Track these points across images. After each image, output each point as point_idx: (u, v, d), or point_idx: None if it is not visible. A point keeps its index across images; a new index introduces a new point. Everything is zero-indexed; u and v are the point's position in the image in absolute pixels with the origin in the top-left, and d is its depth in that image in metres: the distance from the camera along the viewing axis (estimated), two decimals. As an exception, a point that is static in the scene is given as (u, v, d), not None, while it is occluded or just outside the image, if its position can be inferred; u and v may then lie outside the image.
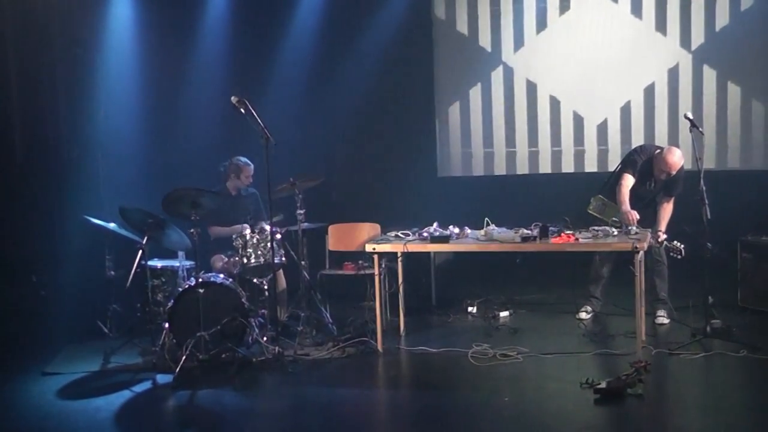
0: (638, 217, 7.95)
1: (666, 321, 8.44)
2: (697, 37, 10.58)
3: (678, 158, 8.19)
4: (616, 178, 8.43)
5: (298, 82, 10.88)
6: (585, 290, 8.87)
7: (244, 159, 9.05)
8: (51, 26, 10.41)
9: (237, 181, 9.07)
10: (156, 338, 7.85)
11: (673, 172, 8.22)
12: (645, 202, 8.42)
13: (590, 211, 8.36)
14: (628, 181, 8.29)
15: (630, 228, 7.73)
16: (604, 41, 10.80)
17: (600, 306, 8.86)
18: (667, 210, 8.38)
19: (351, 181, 11.31)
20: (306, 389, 7.16)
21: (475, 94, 11.28)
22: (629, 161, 8.48)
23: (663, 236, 8.04)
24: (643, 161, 8.41)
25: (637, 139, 10.43)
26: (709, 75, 10.57)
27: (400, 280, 8.35)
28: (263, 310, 8.30)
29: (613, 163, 9.66)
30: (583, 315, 8.75)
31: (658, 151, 8.35)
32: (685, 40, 10.60)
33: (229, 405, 6.90)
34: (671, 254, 8.01)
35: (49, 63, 10.45)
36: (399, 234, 8.23)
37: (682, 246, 7.88)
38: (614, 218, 8.10)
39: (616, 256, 8.40)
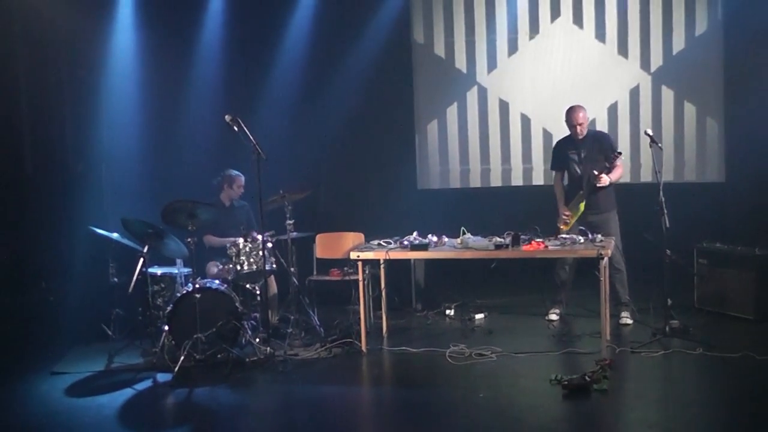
0: (567, 213, 8.45)
1: (630, 321, 8.44)
2: (656, 60, 10.62)
3: (576, 107, 8.50)
4: None
5: (287, 102, 10.86)
6: (552, 296, 8.88)
7: (235, 171, 9.06)
8: (59, 49, 10.42)
9: (230, 191, 9.07)
10: (156, 340, 7.86)
11: (581, 121, 8.44)
12: (581, 177, 8.49)
13: (562, 228, 8.46)
14: (555, 177, 8.85)
15: (595, 236, 7.76)
16: (570, 63, 10.83)
17: (565, 309, 8.87)
18: (617, 168, 8.42)
19: (337, 193, 11.28)
20: (295, 387, 7.15)
21: (452, 112, 11.27)
22: (551, 160, 8.92)
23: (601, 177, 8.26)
24: (559, 144, 8.81)
25: (601, 154, 10.46)
26: (667, 95, 10.62)
27: (383, 285, 8.36)
28: (255, 314, 8.28)
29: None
30: (552, 317, 8.77)
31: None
32: (645, 63, 10.64)
33: (224, 402, 6.89)
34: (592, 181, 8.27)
35: (56, 83, 10.46)
36: (381, 242, 8.21)
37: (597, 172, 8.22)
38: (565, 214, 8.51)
39: (579, 260, 8.42)
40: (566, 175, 8.76)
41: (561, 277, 8.76)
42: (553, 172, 8.91)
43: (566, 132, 8.60)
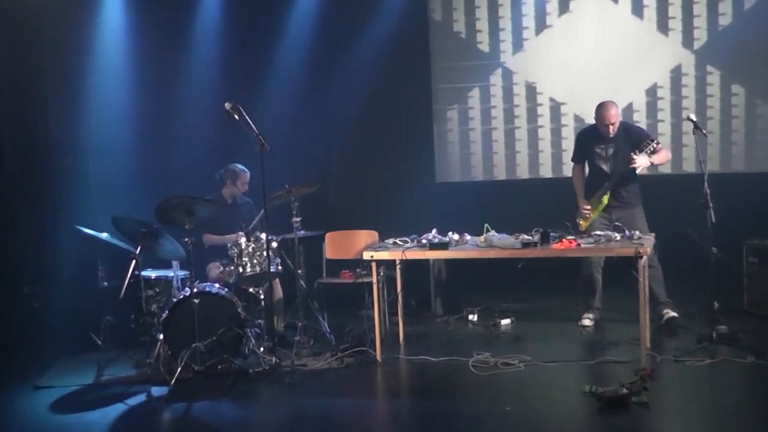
0: (587, 207, 8.55)
1: (675, 314, 8.45)
2: (700, 37, 10.59)
3: (609, 104, 8.52)
4: None
5: (293, 87, 10.91)
6: (584, 301, 8.90)
7: (240, 166, 9.10)
8: (42, 32, 10.42)
9: (233, 188, 9.13)
10: (150, 350, 7.91)
11: (614, 120, 8.45)
12: (608, 175, 8.53)
13: (582, 224, 8.51)
14: (575, 169, 8.93)
15: (633, 233, 7.76)
16: (604, 42, 10.83)
17: (601, 315, 8.88)
18: (662, 152, 8.51)
19: (348, 187, 11.32)
20: (304, 400, 7.16)
21: (474, 97, 11.31)
22: (574, 151, 9.00)
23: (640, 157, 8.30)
24: (585, 137, 8.84)
25: (640, 142, 10.47)
26: (713, 75, 10.59)
27: (399, 288, 8.39)
28: (260, 320, 8.35)
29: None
30: (586, 322, 8.77)
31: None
32: (688, 40, 10.62)
33: (225, 417, 6.91)
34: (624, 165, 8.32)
35: (39, 69, 10.46)
36: (397, 241, 8.24)
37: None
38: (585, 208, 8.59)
39: (611, 259, 8.44)
40: (587, 167, 8.81)
41: (591, 280, 8.78)
42: (572, 164, 9.00)
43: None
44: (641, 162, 8.28)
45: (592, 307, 8.84)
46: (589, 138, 8.74)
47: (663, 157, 8.52)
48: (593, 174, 8.73)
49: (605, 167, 8.58)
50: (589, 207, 8.55)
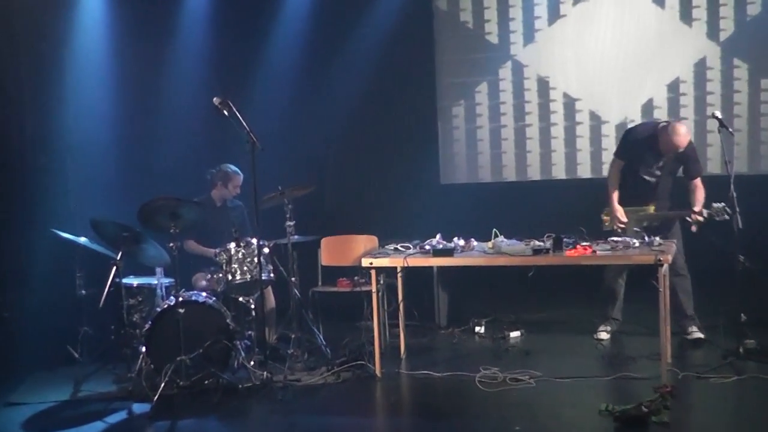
0: (625, 220, 8.38)
1: (702, 335, 8.42)
2: (726, 28, 10.58)
3: (686, 132, 8.33)
4: None
5: (287, 82, 10.93)
6: (601, 311, 8.90)
7: (233, 167, 9.11)
8: (13, 19, 10.38)
9: (224, 191, 9.13)
10: (132, 363, 7.91)
11: (683, 148, 8.30)
12: (652, 188, 8.51)
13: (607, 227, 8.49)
14: (616, 164, 8.72)
15: (654, 239, 7.75)
16: (623, 33, 10.83)
17: (618, 326, 8.88)
18: (699, 191, 8.40)
19: (345, 189, 11.34)
20: (297, 418, 7.16)
21: (482, 92, 11.32)
22: (619, 145, 8.85)
23: (704, 212, 8.12)
24: (638, 140, 8.58)
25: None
26: (740, 69, 10.58)
27: (400, 297, 8.41)
28: (250, 332, 8.35)
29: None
30: (602, 335, 8.78)
31: (663, 125, 8.42)
32: (713, 31, 10.62)
33: (212, 436, 6.93)
34: (717, 218, 8.02)
35: (11, 60, 10.41)
36: (398, 247, 8.24)
37: (723, 204, 7.94)
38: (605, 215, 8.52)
39: (632, 267, 8.44)
40: (627, 168, 8.71)
41: (613, 289, 8.77)
42: (614, 159, 8.80)
43: (619, 115, 8.59)
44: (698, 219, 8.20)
45: (610, 317, 8.84)
46: (643, 142, 8.52)
47: (701, 198, 8.41)
48: (635, 182, 8.58)
49: (650, 178, 8.51)
50: (626, 222, 8.46)
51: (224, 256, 8.22)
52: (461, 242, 8.12)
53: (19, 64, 10.48)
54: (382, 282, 8.46)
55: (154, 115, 10.74)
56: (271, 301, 8.93)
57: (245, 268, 8.21)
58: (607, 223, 8.53)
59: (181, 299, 7.74)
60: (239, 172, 9.10)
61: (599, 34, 10.90)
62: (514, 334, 9.06)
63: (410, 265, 7.95)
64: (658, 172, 8.50)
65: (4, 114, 10.39)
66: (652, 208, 8.47)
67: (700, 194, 8.38)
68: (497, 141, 11.33)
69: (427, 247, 8.09)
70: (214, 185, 9.16)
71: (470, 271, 8.94)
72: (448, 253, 7.95)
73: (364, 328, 8.59)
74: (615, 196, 8.59)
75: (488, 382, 7.57)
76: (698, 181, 8.42)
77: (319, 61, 11.06)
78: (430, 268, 9.28)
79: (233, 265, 8.20)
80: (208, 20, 10.88)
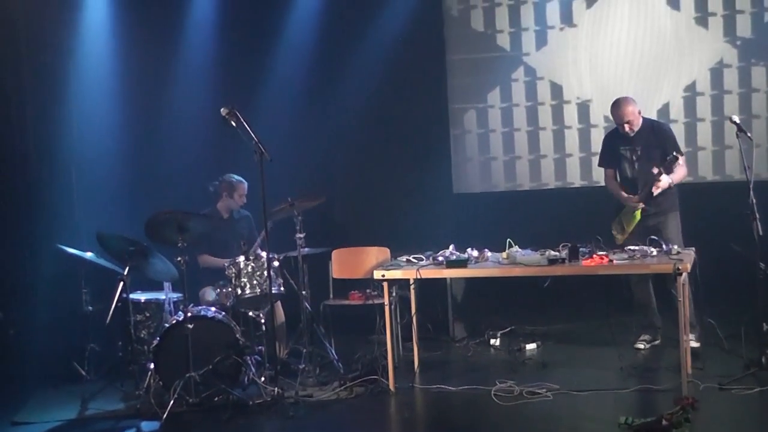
0: (637, 198, 8.52)
1: (696, 344, 8.35)
2: (744, 30, 10.59)
3: (622, 101, 8.63)
4: None
5: (296, 91, 10.96)
6: (639, 321, 8.91)
7: (237, 176, 9.13)
8: (16, 30, 10.41)
9: (230, 201, 9.15)
10: (140, 380, 7.92)
11: (630, 118, 8.53)
12: (633, 181, 8.62)
13: (618, 238, 8.48)
14: (606, 174, 8.95)
15: (672, 247, 7.74)
16: (637, 36, 10.85)
17: (659, 333, 8.85)
18: (679, 168, 8.50)
19: (356, 200, 11.35)
20: (309, 435, 7.17)
21: (494, 99, 11.33)
22: (600, 155, 9.06)
23: (660, 170, 8.32)
24: (609, 137, 8.95)
25: (678, 145, 10.47)
26: (758, 72, 10.59)
27: (413, 310, 8.39)
28: (260, 347, 8.35)
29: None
30: (639, 345, 8.77)
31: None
32: (730, 34, 10.62)
33: (223, 454, 6.94)
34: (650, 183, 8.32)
35: (17, 71, 10.44)
36: (411, 258, 8.24)
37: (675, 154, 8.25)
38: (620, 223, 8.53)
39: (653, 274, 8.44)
40: (617, 173, 8.85)
41: (642, 297, 8.78)
42: (602, 170, 9.06)
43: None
44: (664, 184, 8.36)
45: (647, 326, 8.83)
46: (614, 139, 8.85)
47: (680, 176, 8.60)
48: (623, 180, 8.78)
49: (630, 171, 8.69)
50: (637, 198, 8.54)
51: (233, 269, 8.23)
52: (475, 253, 8.12)
53: (22, 76, 10.49)
54: (394, 294, 8.47)
55: (160, 126, 10.74)
56: (281, 315, 8.95)
57: (255, 281, 8.22)
58: (618, 240, 8.50)
59: (189, 314, 7.76)
60: (243, 180, 9.12)
61: (613, 38, 10.92)
62: (530, 346, 9.05)
63: (423, 276, 7.95)
64: (636, 158, 8.63)
65: (8, 126, 10.40)
66: (638, 214, 8.50)
67: (679, 170, 8.51)
68: (510, 147, 11.34)
69: (441, 259, 8.08)
70: (219, 197, 9.18)
71: (485, 283, 8.94)
72: (461, 264, 7.96)
73: (376, 341, 8.55)
74: (623, 196, 8.67)
75: (504, 395, 7.56)
76: (680, 160, 8.47)
77: (327, 69, 11.08)
78: (444, 279, 9.28)
79: (242, 279, 8.22)
80: (215, 30, 10.88)
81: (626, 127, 8.54)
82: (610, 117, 10.19)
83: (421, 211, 10.66)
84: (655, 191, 8.37)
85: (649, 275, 8.61)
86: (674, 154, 8.31)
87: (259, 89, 10.78)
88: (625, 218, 8.58)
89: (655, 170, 8.32)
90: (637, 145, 8.59)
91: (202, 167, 10.08)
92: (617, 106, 8.62)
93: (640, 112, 8.65)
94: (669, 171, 8.34)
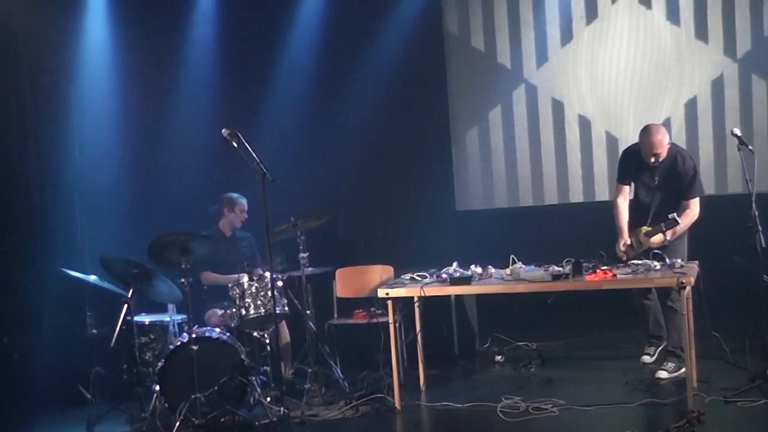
0: (628, 243, 8.33)
1: (665, 375, 8.23)
2: (743, 44, 10.61)
3: (658, 131, 8.22)
4: None
5: (297, 110, 11.01)
6: (641, 332, 8.91)
7: (235, 194, 9.16)
8: (20, 53, 10.41)
9: (231, 216, 9.20)
10: (145, 403, 7.92)
11: (659, 150, 8.15)
12: (647, 208, 8.45)
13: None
14: (622, 191, 8.62)
15: (675, 261, 7.75)
16: (637, 52, 10.90)
17: (661, 345, 8.78)
18: (688, 210, 8.24)
19: (359, 219, 11.38)
20: (316, 454, 7.20)
21: (495, 116, 11.38)
22: (618, 170, 8.72)
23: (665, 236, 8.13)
24: (630, 156, 8.54)
25: (679, 161, 10.49)
26: (759, 86, 10.61)
27: (418, 327, 8.43)
28: (265, 367, 8.36)
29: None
30: (645, 358, 8.75)
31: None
32: (730, 48, 10.66)
33: (230, 475, 6.96)
34: (665, 228, 8.08)
35: (15, 95, 10.46)
36: (415, 276, 8.26)
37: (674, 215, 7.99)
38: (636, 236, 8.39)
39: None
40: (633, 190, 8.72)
41: (641, 309, 8.75)
42: (618, 185, 8.71)
43: (636, 135, 8.49)
44: (656, 241, 8.17)
45: (653, 336, 8.77)
46: (635, 159, 8.47)
47: (690, 219, 8.27)
48: (636, 198, 8.60)
49: (644, 196, 8.50)
50: (629, 243, 8.40)
51: (237, 290, 8.26)
52: (479, 270, 8.14)
53: (23, 100, 10.51)
54: (399, 313, 8.50)
55: (161, 147, 10.74)
56: (286, 335, 8.96)
57: (259, 302, 8.25)
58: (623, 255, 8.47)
59: (194, 336, 7.79)
60: (242, 196, 9.18)
61: (613, 54, 10.96)
62: (536, 362, 9.07)
63: (427, 294, 7.97)
64: (654, 191, 8.43)
65: (10, 150, 10.41)
66: (643, 230, 8.33)
67: (688, 213, 8.24)
68: (512, 165, 11.38)
69: (444, 276, 8.11)
70: (221, 215, 9.23)
71: (489, 299, 8.97)
72: (465, 281, 7.98)
73: (381, 360, 8.56)
74: (622, 230, 8.50)
75: (510, 411, 7.58)
76: (691, 202, 8.28)
77: (329, 89, 11.11)
78: (448, 297, 9.31)
79: (246, 300, 8.24)
80: (215, 50, 10.92)
81: (652, 159, 8.21)
82: (612, 133, 10.32)
83: (424, 229, 10.69)
84: (669, 236, 8.13)
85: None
86: (674, 217, 8.01)
87: (261, 109, 10.82)
88: (634, 238, 8.47)
89: (670, 216, 8.04)
90: (656, 174, 8.35)
91: (204, 189, 10.11)
92: (647, 133, 8.21)
93: (668, 143, 8.30)
94: (668, 228, 8.09)
